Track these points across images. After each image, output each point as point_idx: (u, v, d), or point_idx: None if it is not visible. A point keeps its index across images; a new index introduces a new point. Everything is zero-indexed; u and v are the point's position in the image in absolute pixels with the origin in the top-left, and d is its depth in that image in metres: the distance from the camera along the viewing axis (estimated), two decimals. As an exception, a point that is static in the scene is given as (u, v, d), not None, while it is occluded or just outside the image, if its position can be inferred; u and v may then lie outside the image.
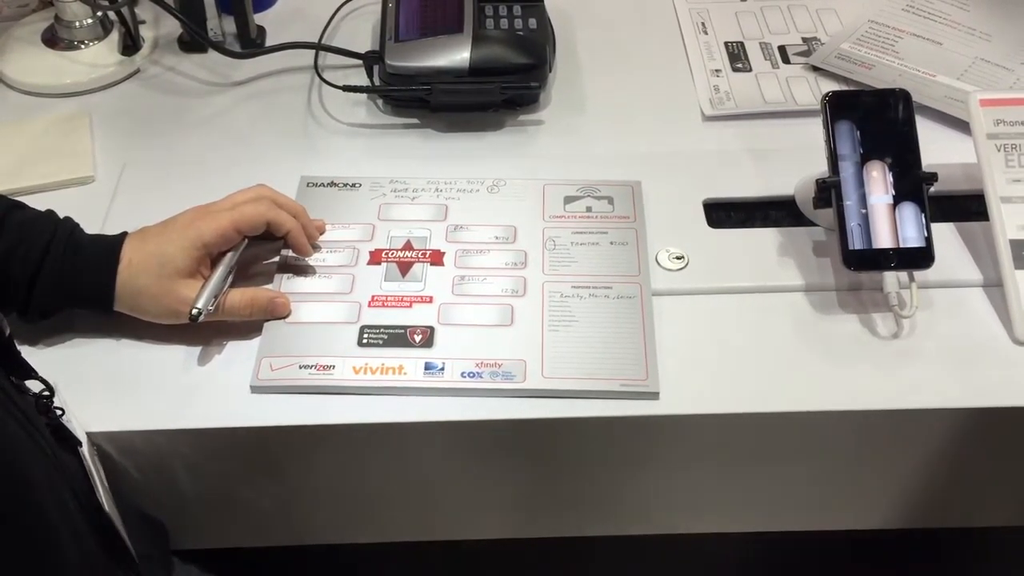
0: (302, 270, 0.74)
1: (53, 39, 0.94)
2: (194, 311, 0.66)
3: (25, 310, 0.68)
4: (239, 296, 0.69)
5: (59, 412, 0.61)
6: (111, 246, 0.68)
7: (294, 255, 0.74)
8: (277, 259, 0.75)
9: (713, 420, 0.67)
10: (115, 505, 0.67)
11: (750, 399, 0.67)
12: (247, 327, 0.70)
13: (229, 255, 0.70)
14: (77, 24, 0.93)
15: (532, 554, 0.84)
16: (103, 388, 0.67)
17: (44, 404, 0.60)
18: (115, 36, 0.94)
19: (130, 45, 0.94)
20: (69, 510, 0.54)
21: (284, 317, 0.71)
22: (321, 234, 0.76)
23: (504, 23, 0.89)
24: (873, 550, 0.87)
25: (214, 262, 0.70)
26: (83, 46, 0.94)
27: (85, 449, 0.63)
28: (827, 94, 0.74)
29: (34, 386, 0.60)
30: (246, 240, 0.71)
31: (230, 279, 0.70)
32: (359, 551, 0.78)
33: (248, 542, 0.78)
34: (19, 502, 0.49)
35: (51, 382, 0.60)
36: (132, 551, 0.63)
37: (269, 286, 0.73)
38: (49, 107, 0.90)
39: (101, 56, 0.93)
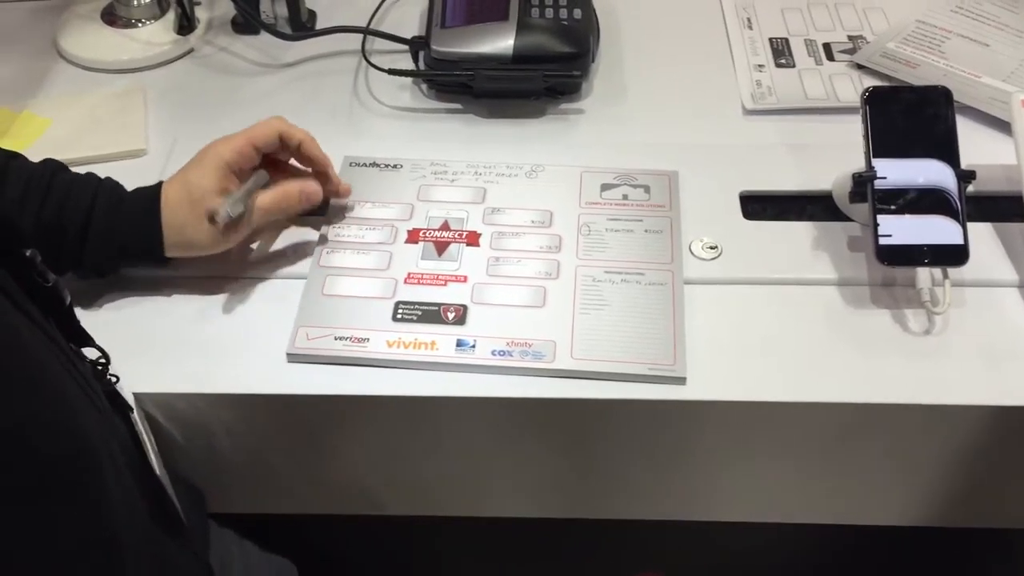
0: (341, 245, 0.76)
1: (112, 17, 0.98)
2: (208, 211, 0.69)
3: (79, 265, 0.70)
4: (268, 195, 0.72)
5: (113, 379, 0.63)
6: (151, 192, 0.71)
7: (335, 232, 0.77)
8: (317, 236, 0.77)
9: (739, 407, 0.68)
10: (164, 470, 0.69)
11: (777, 388, 0.68)
12: (286, 293, 0.72)
13: (253, 177, 0.73)
14: (135, 3, 0.96)
15: (555, 534, 0.85)
16: (146, 352, 0.70)
17: (100, 371, 0.62)
18: (171, 16, 0.97)
19: (185, 25, 0.97)
20: (122, 472, 0.55)
21: (318, 206, 0.75)
22: (347, 195, 0.78)
23: (549, 12, 0.90)
24: (899, 547, 0.87)
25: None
26: (140, 24, 0.97)
27: (135, 415, 0.65)
28: (867, 89, 0.74)
29: (90, 354, 0.62)
30: (267, 176, 0.74)
31: (255, 196, 0.72)
32: (389, 522, 0.80)
33: (281, 509, 0.80)
34: (81, 457, 0.50)
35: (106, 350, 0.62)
36: (181, 514, 0.65)
37: (308, 259, 0.75)
38: (106, 82, 0.93)
39: (157, 35, 0.96)
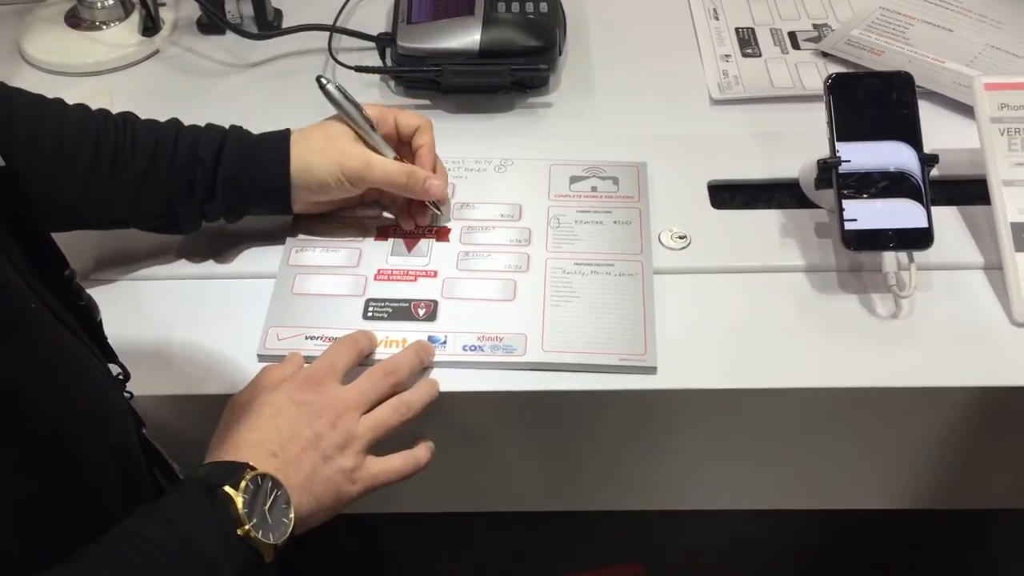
0: (310, 243, 0.76)
1: (76, 20, 0.97)
2: (324, 79, 0.72)
3: (212, 207, 0.72)
4: (396, 164, 0.73)
5: (129, 395, 0.63)
6: (280, 134, 0.73)
7: (303, 230, 0.76)
8: (286, 234, 0.77)
9: (710, 395, 0.68)
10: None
11: (747, 375, 0.68)
12: (255, 293, 0.72)
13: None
14: (99, 5, 0.95)
15: (529, 527, 0.85)
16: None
17: (119, 386, 0.62)
18: (136, 17, 0.97)
19: (150, 27, 0.96)
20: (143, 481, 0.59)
21: (438, 201, 0.75)
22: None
23: (515, 6, 0.90)
24: (874, 530, 0.88)
25: None
26: (105, 27, 0.96)
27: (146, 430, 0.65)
28: (830, 76, 0.74)
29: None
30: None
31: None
32: (365, 519, 0.80)
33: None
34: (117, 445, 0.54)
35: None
36: None
37: (277, 258, 0.75)
38: (71, 86, 0.92)
39: (122, 37, 0.96)
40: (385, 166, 0.73)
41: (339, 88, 0.73)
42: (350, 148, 0.72)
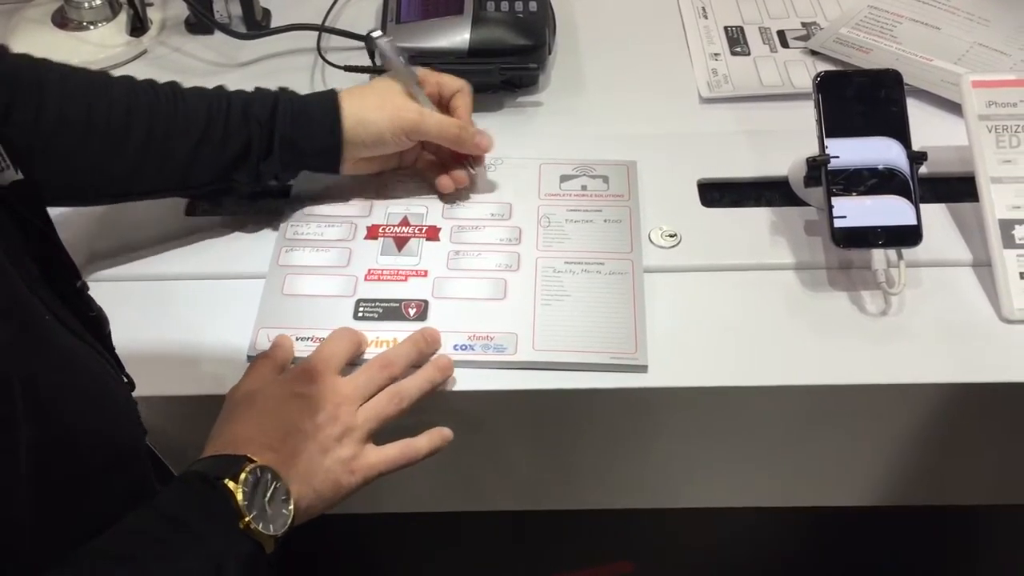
0: (300, 243, 0.76)
1: (63, 20, 0.96)
2: (376, 33, 0.77)
3: (270, 150, 0.73)
4: (449, 118, 0.77)
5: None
6: (329, 93, 0.75)
7: (293, 230, 0.76)
8: (275, 234, 0.77)
9: (701, 393, 0.68)
10: None
11: (737, 373, 0.68)
12: (245, 293, 0.72)
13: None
14: (86, 5, 0.95)
15: (521, 525, 0.85)
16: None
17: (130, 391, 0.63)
18: (123, 17, 0.96)
19: (138, 27, 0.96)
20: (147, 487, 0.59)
21: (483, 154, 0.79)
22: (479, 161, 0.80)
23: (504, 5, 0.90)
24: (863, 527, 0.88)
25: None
26: (92, 27, 0.96)
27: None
28: (819, 74, 0.75)
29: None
30: None
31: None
32: (356, 520, 0.80)
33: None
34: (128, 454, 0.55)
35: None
36: None
37: (267, 258, 0.75)
38: (58, 86, 0.92)
39: (109, 37, 0.95)
40: (439, 118, 0.76)
41: (392, 43, 0.77)
42: (404, 103, 0.76)
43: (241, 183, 0.74)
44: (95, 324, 0.58)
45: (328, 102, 0.74)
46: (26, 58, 0.69)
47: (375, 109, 0.74)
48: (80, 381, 0.51)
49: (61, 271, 0.56)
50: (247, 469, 0.55)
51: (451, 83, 0.79)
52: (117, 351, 0.59)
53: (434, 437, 0.66)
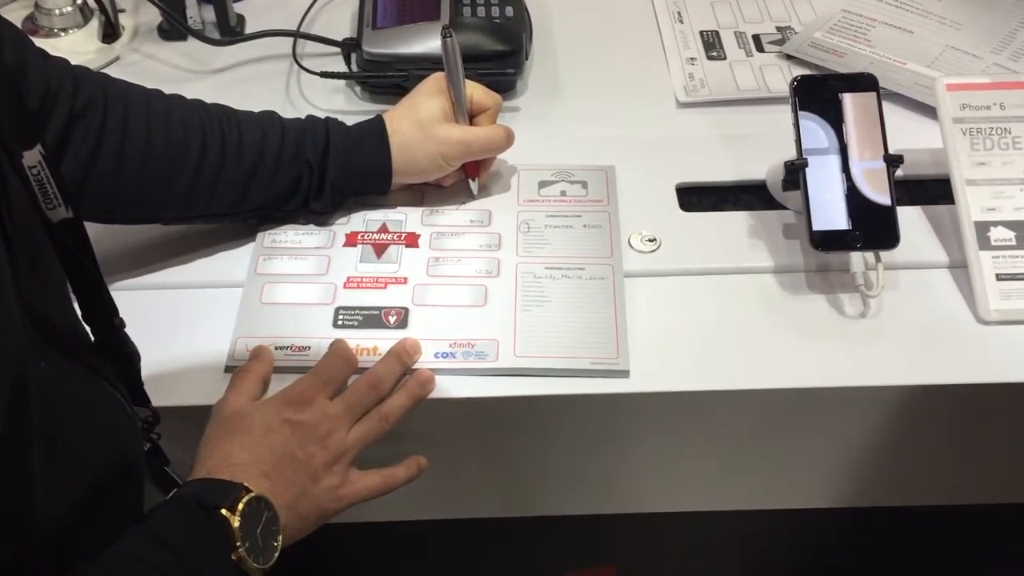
0: (278, 251, 0.75)
1: (34, 27, 0.95)
2: (450, 31, 0.75)
3: (321, 190, 0.74)
4: (493, 129, 0.77)
5: (156, 436, 0.64)
6: (376, 123, 0.76)
7: (271, 238, 0.75)
8: (253, 242, 0.76)
9: (682, 398, 0.69)
10: None
11: (719, 377, 0.69)
12: (223, 302, 0.71)
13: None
14: (57, 12, 0.94)
15: (504, 531, 0.85)
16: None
17: (146, 428, 0.63)
18: (95, 24, 0.95)
19: (110, 33, 0.95)
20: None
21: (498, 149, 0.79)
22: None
23: (481, 10, 0.90)
24: (843, 529, 0.88)
25: None
26: (63, 34, 0.94)
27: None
28: (795, 78, 0.75)
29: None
30: None
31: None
32: (343, 529, 0.79)
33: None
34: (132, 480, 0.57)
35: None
36: None
37: (245, 266, 0.74)
38: (29, 94, 0.91)
39: (81, 44, 0.94)
40: (482, 135, 0.77)
41: (458, 47, 0.75)
42: (444, 133, 0.75)
43: (289, 213, 0.76)
44: (125, 360, 0.59)
45: (378, 142, 0.75)
46: (93, 83, 0.69)
47: (418, 145, 0.75)
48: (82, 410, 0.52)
49: (101, 307, 0.57)
50: (244, 499, 0.55)
51: (484, 100, 0.78)
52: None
53: (411, 466, 0.67)
